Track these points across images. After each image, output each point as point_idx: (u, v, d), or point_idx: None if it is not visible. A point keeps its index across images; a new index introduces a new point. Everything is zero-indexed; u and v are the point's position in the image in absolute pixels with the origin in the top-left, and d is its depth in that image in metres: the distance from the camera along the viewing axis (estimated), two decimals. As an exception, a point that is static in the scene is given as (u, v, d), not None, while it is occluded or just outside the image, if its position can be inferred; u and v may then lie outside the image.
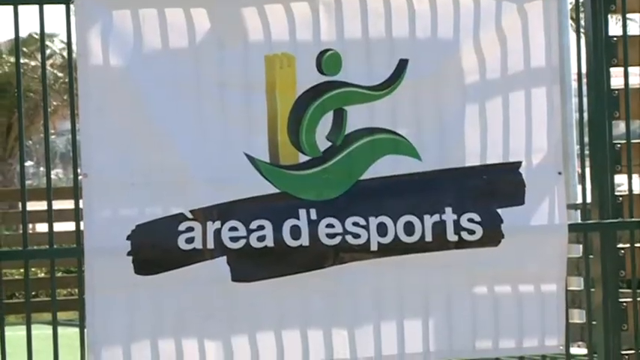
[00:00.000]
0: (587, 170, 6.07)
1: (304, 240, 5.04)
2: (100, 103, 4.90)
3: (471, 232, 5.22)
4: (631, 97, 5.84)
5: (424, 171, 5.26)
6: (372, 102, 5.23)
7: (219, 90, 5.06)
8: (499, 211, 5.28)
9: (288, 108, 5.12)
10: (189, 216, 4.93)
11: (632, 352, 5.86)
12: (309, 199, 5.12)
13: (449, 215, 5.22)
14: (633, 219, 5.84)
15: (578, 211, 7.12)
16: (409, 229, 5.16)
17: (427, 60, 5.30)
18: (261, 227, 5.00)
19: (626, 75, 5.84)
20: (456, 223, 5.22)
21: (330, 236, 5.07)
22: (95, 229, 4.84)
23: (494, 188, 5.34)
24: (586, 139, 6.00)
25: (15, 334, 5.78)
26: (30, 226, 7.77)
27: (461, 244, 5.23)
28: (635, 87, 5.94)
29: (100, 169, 4.88)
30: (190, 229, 4.92)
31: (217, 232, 4.94)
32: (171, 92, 5.02)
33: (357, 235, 5.11)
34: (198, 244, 4.93)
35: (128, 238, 4.84)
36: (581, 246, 6.12)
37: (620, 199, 6.00)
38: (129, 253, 4.83)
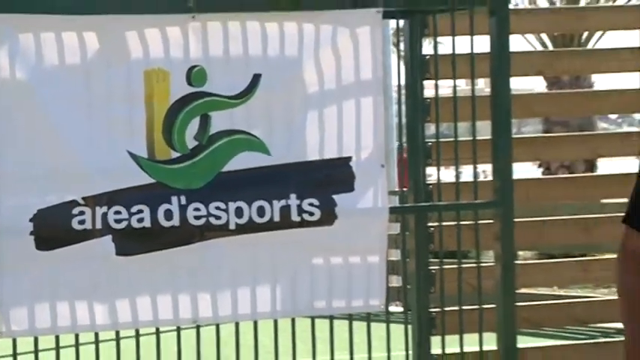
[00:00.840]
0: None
1: (175, 221, 5.14)
2: (7, 111, 5.00)
3: (311, 214, 5.36)
4: (440, 104, 6.05)
5: (273, 164, 5.38)
6: (232, 109, 5.32)
7: (106, 99, 5.13)
8: (334, 196, 5.42)
9: (163, 114, 5.20)
10: (81, 202, 5.02)
11: (439, 309, 6.11)
12: (179, 187, 5.20)
13: (293, 200, 5.35)
14: (440, 202, 6.07)
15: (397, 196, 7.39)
16: (261, 211, 5.28)
17: (276, 74, 5.41)
18: (140, 211, 5.10)
19: (436, 87, 6.06)
20: (299, 207, 5.34)
21: (197, 218, 5.17)
22: (3, 213, 4.96)
23: (330, 178, 5.47)
24: (404, 139, 6.21)
25: None
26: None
27: (303, 223, 5.36)
28: (444, 96, 6.17)
29: (7, 165, 4.99)
30: (82, 212, 5.01)
31: (104, 215, 5.03)
32: (66, 103, 5.08)
33: (218, 217, 5.22)
34: (88, 225, 5.01)
35: (30, 220, 4.94)
36: (399, 224, 6.30)
37: (431, 186, 6.25)
38: (31, 233, 4.94)
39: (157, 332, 5.44)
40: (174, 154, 5.26)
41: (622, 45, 7.80)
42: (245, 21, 5.39)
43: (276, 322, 5.59)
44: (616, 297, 8.22)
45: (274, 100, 5.45)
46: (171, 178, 5.25)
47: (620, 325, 8.55)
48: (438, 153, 6.18)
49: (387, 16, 5.79)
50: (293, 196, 5.39)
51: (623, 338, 6.74)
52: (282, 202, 5.37)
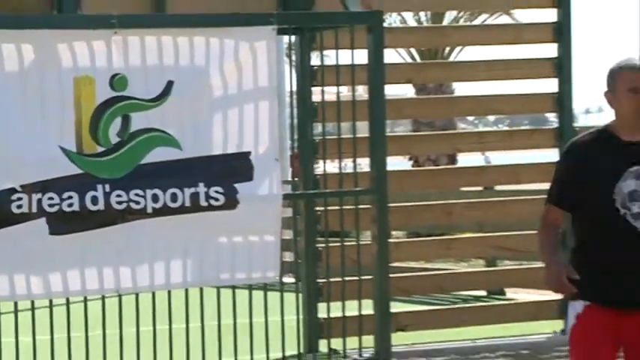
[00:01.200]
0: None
1: (101, 206, 5.19)
2: None
3: (216, 199, 5.39)
4: (326, 107, 6.20)
5: (184, 158, 5.42)
6: (148, 110, 5.36)
7: (41, 102, 5.17)
8: (235, 185, 5.45)
9: (90, 114, 5.25)
10: (19, 189, 5.07)
11: (325, 280, 6.27)
12: (104, 177, 5.25)
13: (201, 188, 5.38)
14: (326, 190, 6.26)
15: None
16: (174, 197, 5.33)
17: (187, 81, 5.45)
18: (70, 197, 5.14)
19: (322, 92, 6.21)
20: (206, 194, 5.38)
21: (119, 203, 5.23)
22: None
23: (232, 169, 5.50)
24: (295, 137, 6.34)
25: None
26: None
27: (209, 208, 5.39)
28: (329, 101, 6.31)
29: None
30: (20, 198, 5.06)
31: (39, 201, 5.08)
32: (5, 105, 5.11)
33: (137, 202, 5.27)
34: (25, 209, 5.06)
35: None
36: (291, 209, 6.43)
37: (318, 177, 6.44)
38: None
39: (85, 300, 5.46)
40: (100, 149, 5.31)
41: (478, 58, 7.91)
42: (160, 36, 5.44)
43: (187, 291, 5.62)
44: (472, 269, 8.35)
45: (185, 103, 5.48)
46: (96, 169, 5.28)
47: (476, 293, 8.66)
48: (324, 148, 6.33)
49: (280, 32, 5.86)
50: (201, 184, 5.41)
51: (479, 304, 6.95)
52: (192, 190, 5.39)
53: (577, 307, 3.71)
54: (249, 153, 5.58)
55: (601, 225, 3.66)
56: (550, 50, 7.12)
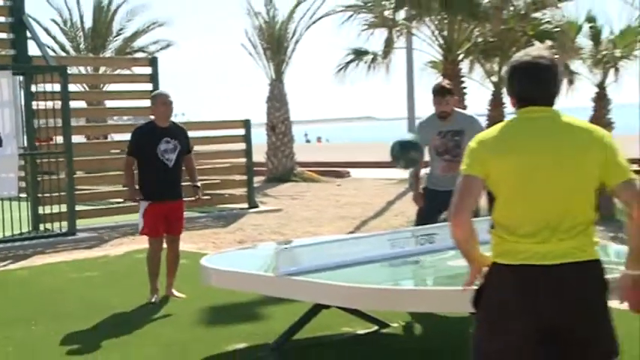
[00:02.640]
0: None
1: None
2: None
3: None
4: (40, 112, 6.48)
5: None
6: None
7: None
8: None
9: None
10: None
11: (42, 195, 6.56)
12: None
13: None
14: (42, 151, 6.61)
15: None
16: None
17: None
18: None
19: (37, 105, 6.48)
20: None
21: None
22: None
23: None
24: (25, 128, 6.50)
25: None
26: None
27: None
28: (42, 109, 6.52)
29: None
30: None
31: None
32: None
33: None
34: None
35: None
36: (24, 161, 6.54)
37: (38, 145, 6.58)
38: None
39: None
40: None
41: (117, 89, 8.44)
42: None
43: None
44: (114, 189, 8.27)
45: None
46: None
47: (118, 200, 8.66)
48: (39, 132, 6.75)
49: (15, 74, 6.39)
50: None
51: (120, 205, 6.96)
52: None
53: (144, 204, 4.09)
54: (0, 139, 6.14)
55: (151, 165, 3.97)
56: (149, 86, 7.62)
